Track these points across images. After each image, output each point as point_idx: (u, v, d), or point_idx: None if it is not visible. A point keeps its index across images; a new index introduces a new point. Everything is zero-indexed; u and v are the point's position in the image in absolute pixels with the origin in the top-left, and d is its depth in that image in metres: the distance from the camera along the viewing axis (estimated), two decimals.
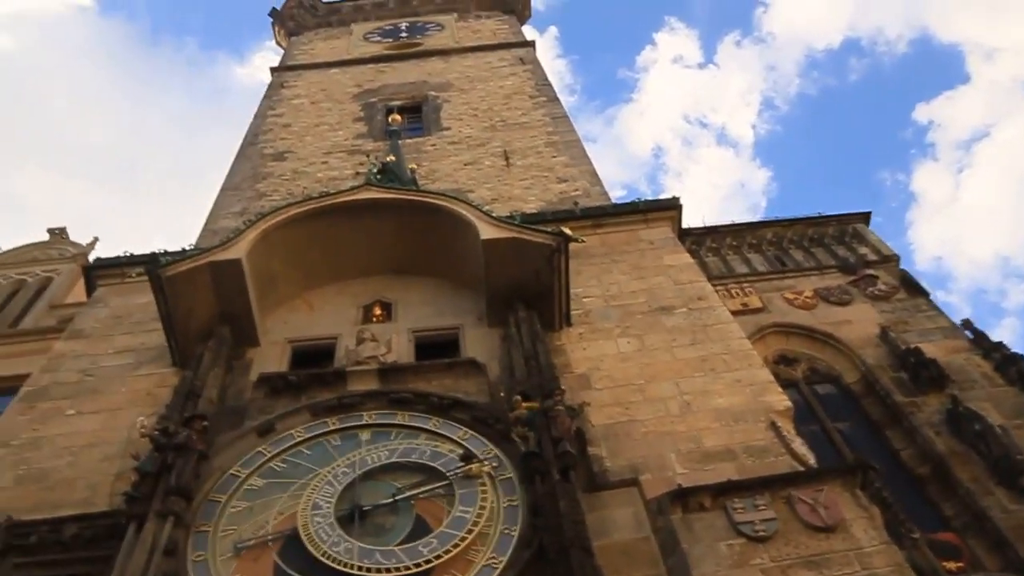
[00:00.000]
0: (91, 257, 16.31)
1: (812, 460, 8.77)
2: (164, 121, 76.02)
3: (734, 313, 12.41)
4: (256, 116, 20.98)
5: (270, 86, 22.96)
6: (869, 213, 16.29)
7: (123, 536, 7.53)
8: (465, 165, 17.46)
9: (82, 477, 9.07)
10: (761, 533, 7.47)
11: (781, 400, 9.52)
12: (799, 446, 8.79)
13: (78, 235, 20.13)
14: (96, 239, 19.55)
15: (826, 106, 68.51)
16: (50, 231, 19.96)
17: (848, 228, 15.95)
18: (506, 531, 7.69)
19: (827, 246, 15.53)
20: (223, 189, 17.35)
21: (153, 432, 8.59)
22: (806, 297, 14.05)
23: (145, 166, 75.86)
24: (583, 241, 11.46)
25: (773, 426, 9.05)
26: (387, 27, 27.20)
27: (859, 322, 13.59)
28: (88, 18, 76.87)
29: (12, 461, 9.40)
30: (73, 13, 75.87)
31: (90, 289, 13.30)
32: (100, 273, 13.23)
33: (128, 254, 13.21)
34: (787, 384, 12.07)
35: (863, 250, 15.27)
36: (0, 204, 64.68)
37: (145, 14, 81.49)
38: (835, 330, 13.53)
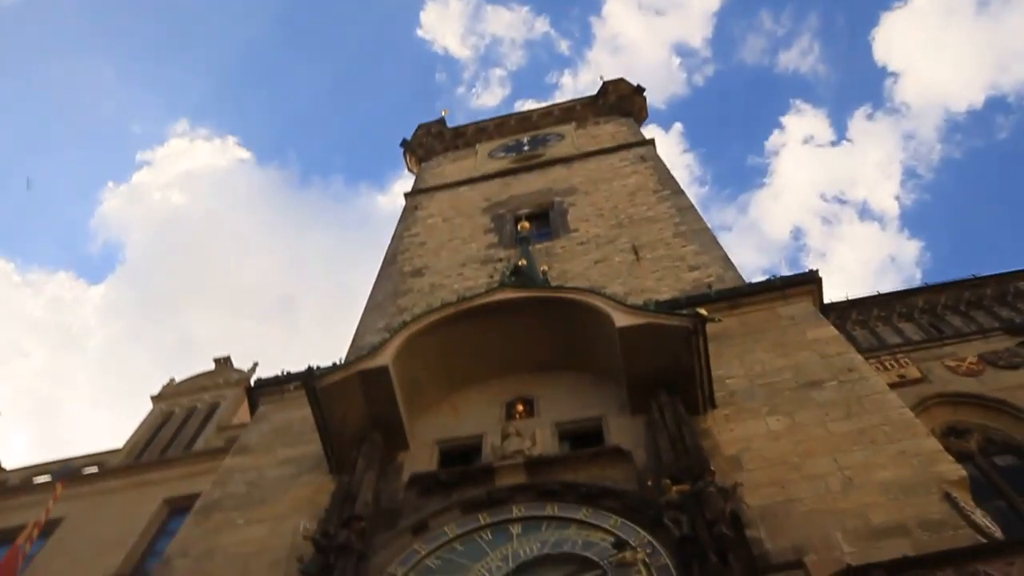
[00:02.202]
0: (253, 380, 17.44)
1: (999, 533, 8.02)
2: (316, 254, 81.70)
3: (891, 385, 11.73)
4: (394, 238, 22.17)
5: (405, 209, 24.33)
6: None
7: None
8: (596, 263, 17.69)
9: None
10: None
11: (954, 469, 8.80)
12: (980, 517, 8.07)
13: (241, 363, 21.63)
14: (256, 363, 20.99)
15: (975, 168, 65.63)
16: (216, 360, 21.59)
17: (1009, 287, 15.01)
18: None
19: (987, 308, 14.62)
20: (367, 308, 18.26)
21: (315, 535, 8.93)
22: (970, 363, 13.18)
23: (300, 297, 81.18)
24: (720, 320, 11.29)
25: (948, 497, 8.35)
26: (510, 143, 28.49)
27: None
28: (247, 169, 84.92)
29: (190, 570, 9.97)
30: (235, 165, 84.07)
31: (253, 408, 14.15)
32: (261, 392, 14.08)
33: (286, 372, 14.06)
34: (961, 457, 11.25)
35: None
36: (176, 342, 70.47)
37: (295, 160, 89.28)
38: (1009, 396, 12.59)
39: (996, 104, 67.92)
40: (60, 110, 79.48)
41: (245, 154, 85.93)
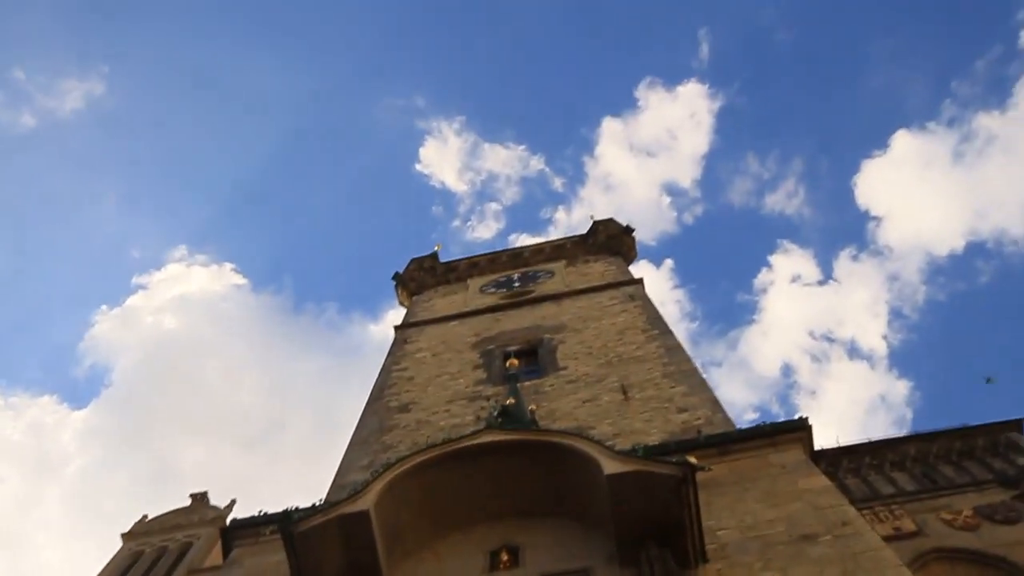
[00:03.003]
0: (229, 519, 16.83)
1: None
2: (304, 381, 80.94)
3: (886, 539, 11.46)
4: (381, 372, 22.05)
5: (394, 342, 24.32)
6: (1021, 420, 15.18)
7: None
8: (584, 402, 17.55)
9: None
10: None
11: None
12: None
13: (222, 498, 20.91)
14: (234, 501, 20.29)
15: (960, 310, 66.69)
16: (192, 496, 20.89)
17: (1000, 438, 14.87)
18: None
19: (979, 459, 14.43)
20: (351, 444, 17.92)
21: None
22: (966, 517, 12.87)
23: (285, 425, 79.76)
24: (710, 469, 11.07)
25: None
26: (501, 279, 28.89)
27: None
28: (242, 294, 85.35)
29: None
30: (229, 291, 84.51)
31: (227, 551, 13.60)
32: (236, 534, 13.56)
33: (263, 513, 13.59)
34: None
35: (1022, 460, 14.09)
36: (155, 470, 68.62)
37: (290, 286, 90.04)
38: (1008, 552, 12.22)
39: (976, 249, 69.85)
40: (60, 233, 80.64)
41: (241, 280, 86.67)
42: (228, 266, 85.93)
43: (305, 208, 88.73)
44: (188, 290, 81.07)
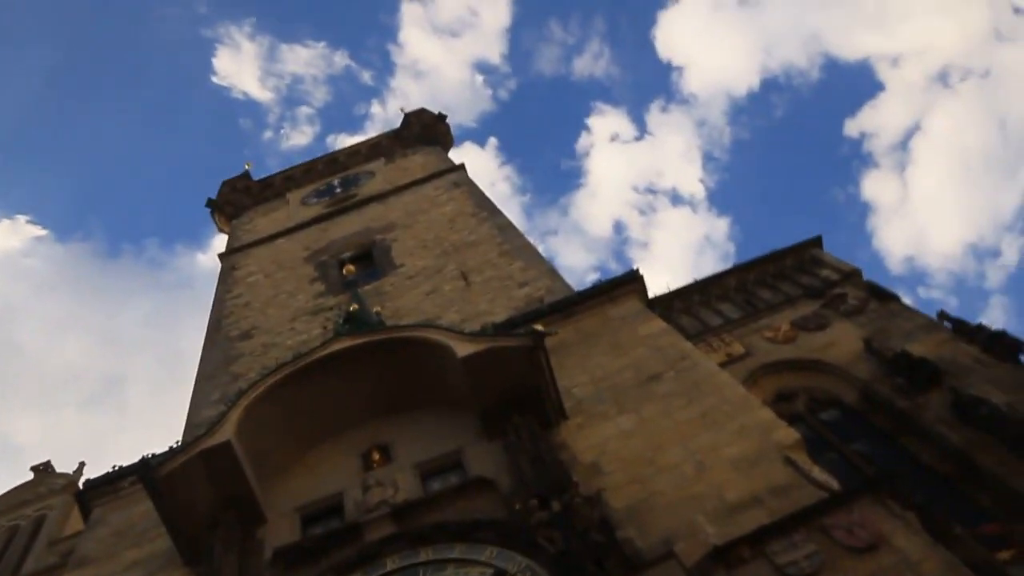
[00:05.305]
0: (81, 482, 16.01)
1: (836, 484, 8.70)
2: (138, 327, 76.31)
3: (721, 365, 12.57)
4: (215, 302, 21.14)
5: (222, 271, 23.27)
6: (820, 237, 16.78)
7: None
8: (427, 295, 17.67)
9: None
10: (807, 571, 7.34)
11: (789, 434, 9.52)
12: (819, 473, 8.76)
13: (67, 464, 19.77)
14: (83, 463, 19.36)
15: (762, 144, 71.45)
16: (34, 468, 19.66)
17: (805, 255, 16.38)
18: None
19: (790, 278, 15.88)
20: (198, 380, 17.28)
21: None
22: (785, 331, 14.28)
23: (127, 377, 75.57)
24: (556, 333, 11.62)
25: (789, 461, 9.02)
26: (321, 187, 27.97)
27: (841, 341, 13.82)
28: (45, 247, 77.98)
29: None
30: (29, 246, 76.92)
31: (86, 514, 13.00)
32: (93, 494, 12.96)
33: (117, 467, 13.02)
34: (793, 419, 12.11)
35: (824, 272, 15.66)
36: None
37: (99, 229, 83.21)
38: (822, 355, 13.72)
39: (770, 85, 74.59)
40: None
41: (40, 231, 79.09)
42: (21, 219, 78.01)
43: (97, 142, 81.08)
44: None
